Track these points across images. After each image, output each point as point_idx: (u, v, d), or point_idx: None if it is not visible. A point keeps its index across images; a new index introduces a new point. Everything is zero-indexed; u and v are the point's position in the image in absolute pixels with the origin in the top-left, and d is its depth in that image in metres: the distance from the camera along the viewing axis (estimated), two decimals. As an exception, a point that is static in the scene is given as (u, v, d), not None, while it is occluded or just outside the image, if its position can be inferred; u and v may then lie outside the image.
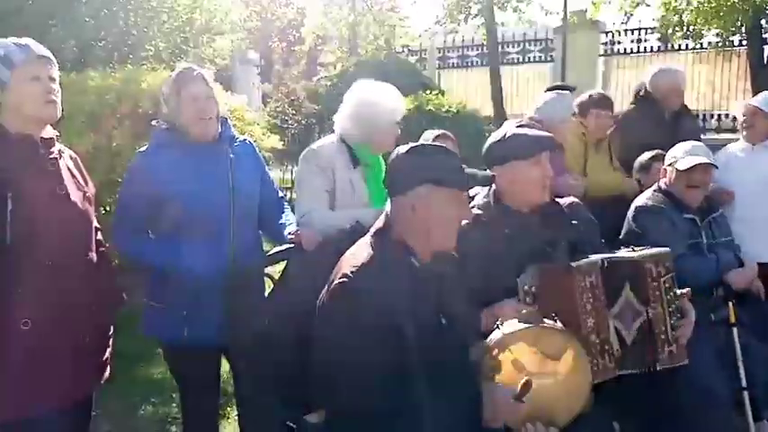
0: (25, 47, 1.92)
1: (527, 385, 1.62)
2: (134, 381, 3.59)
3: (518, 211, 2.21)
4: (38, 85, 1.91)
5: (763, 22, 8.62)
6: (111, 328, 2.22)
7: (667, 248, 2.13)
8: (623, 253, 2.12)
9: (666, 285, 2.04)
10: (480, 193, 2.35)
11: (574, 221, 2.26)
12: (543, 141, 2.22)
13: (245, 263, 2.28)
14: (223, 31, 9.57)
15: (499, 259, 2.05)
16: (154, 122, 2.35)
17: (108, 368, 2.18)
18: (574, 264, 1.99)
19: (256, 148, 2.52)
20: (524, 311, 1.78)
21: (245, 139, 2.47)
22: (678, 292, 2.07)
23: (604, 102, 3.73)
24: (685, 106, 4.00)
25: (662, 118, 3.78)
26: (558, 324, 1.76)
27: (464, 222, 2.06)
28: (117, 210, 2.34)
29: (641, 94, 3.91)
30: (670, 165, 2.94)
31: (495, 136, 2.29)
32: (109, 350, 2.19)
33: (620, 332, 2.00)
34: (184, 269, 2.17)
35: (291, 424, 1.85)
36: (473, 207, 2.26)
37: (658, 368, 2.03)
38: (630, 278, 2.03)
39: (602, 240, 2.33)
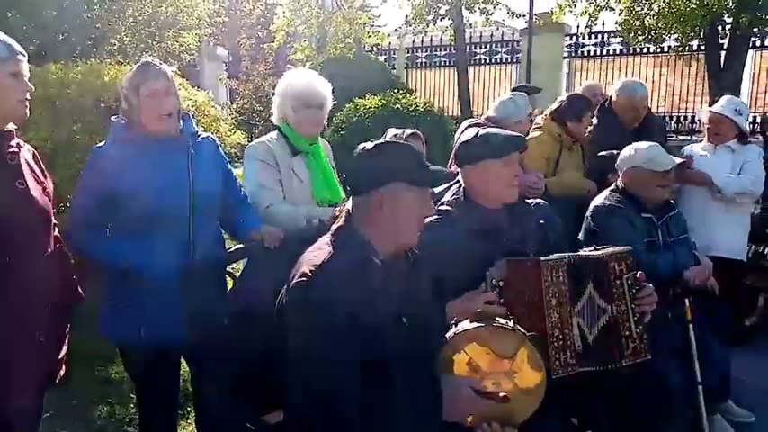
0: (8, 43, 1.88)
1: (503, 399, 1.65)
2: (91, 380, 3.51)
3: (487, 208, 2.25)
4: (16, 82, 1.87)
5: (719, 28, 8.87)
6: (68, 326, 2.17)
7: (629, 246, 2.18)
8: (587, 252, 2.18)
9: (629, 282, 2.09)
10: (450, 190, 2.38)
11: (541, 221, 2.32)
12: (514, 142, 2.28)
13: (205, 261, 2.24)
14: (190, 25, 9.42)
15: (468, 254, 2.08)
16: (113, 118, 2.29)
17: (63, 367, 2.13)
18: (543, 258, 2.04)
19: (219, 145, 2.49)
20: (478, 311, 1.80)
21: (207, 136, 2.44)
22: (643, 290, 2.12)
23: (591, 105, 3.78)
24: (648, 119, 4.03)
25: (625, 129, 3.84)
26: (511, 323, 1.78)
27: (434, 218, 2.13)
28: (72, 205, 2.28)
29: (606, 105, 3.98)
30: (635, 166, 2.96)
31: (465, 135, 2.33)
32: (65, 349, 2.14)
33: (582, 329, 2.05)
34: (142, 267, 2.12)
35: (250, 425, 1.83)
36: (442, 203, 2.31)
37: (624, 364, 2.08)
38: (594, 276, 2.08)
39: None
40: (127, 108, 2.22)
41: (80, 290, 2.22)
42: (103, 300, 2.29)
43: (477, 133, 2.29)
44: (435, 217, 2.23)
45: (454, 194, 2.33)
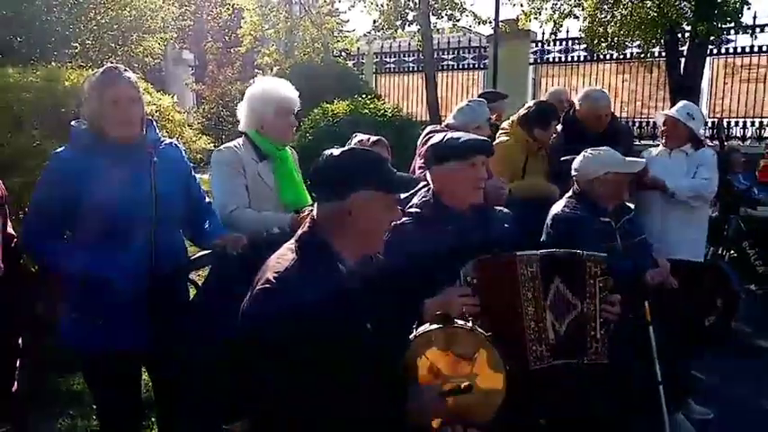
0: None
1: (464, 389, 1.65)
2: (52, 392, 3.42)
3: (455, 210, 2.31)
4: None
5: (679, 35, 9.13)
6: (21, 340, 2.10)
7: (605, 254, 2.23)
8: (561, 251, 2.21)
9: (601, 285, 2.14)
10: (419, 193, 2.42)
11: (506, 225, 2.40)
12: (480, 145, 2.35)
13: (167, 269, 2.21)
14: (154, 29, 9.30)
15: (438, 254, 2.11)
16: (73, 123, 2.24)
17: (15, 381, 2.06)
18: (518, 253, 2.10)
19: (183, 152, 2.46)
20: (438, 313, 1.81)
21: (171, 142, 2.41)
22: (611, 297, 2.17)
23: (558, 113, 3.85)
24: (613, 126, 4.11)
25: (589, 136, 3.91)
26: (469, 324, 1.79)
27: (403, 219, 2.16)
28: (29, 212, 2.22)
29: (570, 112, 4.06)
30: (606, 173, 2.98)
31: (434, 138, 2.40)
32: (18, 362, 2.07)
33: (554, 323, 2.10)
34: (102, 275, 2.07)
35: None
36: (411, 206, 2.36)
37: (584, 362, 2.12)
38: (567, 272, 2.13)
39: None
40: (88, 113, 2.17)
41: (34, 305, 2.14)
42: (63, 309, 2.23)
43: (445, 136, 2.36)
44: (405, 219, 2.27)
45: (423, 197, 2.38)
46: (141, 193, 2.17)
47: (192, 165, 2.53)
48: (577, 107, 3.96)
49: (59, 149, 2.22)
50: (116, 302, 2.10)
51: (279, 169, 2.76)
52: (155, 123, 2.35)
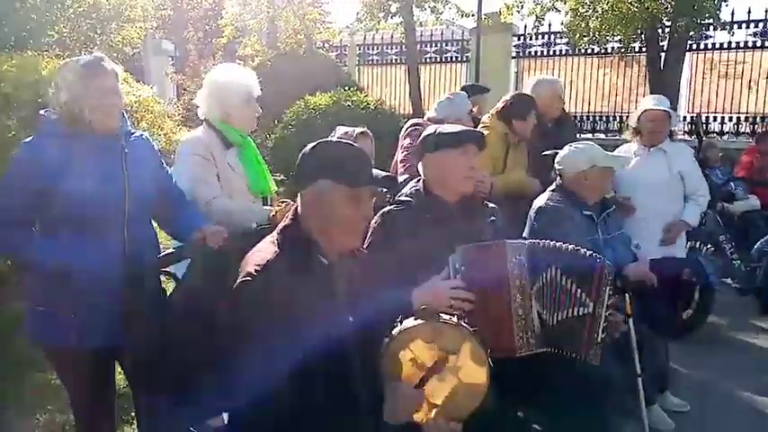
0: None
1: (440, 362, 1.65)
2: (29, 388, 3.36)
3: (445, 200, 2.34)
4: None
5: (659, 30, 9.21)
6: None
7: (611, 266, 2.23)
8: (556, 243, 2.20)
9: (610, 293, 2.14)
10: (411, 182, 2.46)
11: (493, 218, 2.42)
12: (472, 135, 2.40)
13: (139, 261, 2.18)
14: (133, 18, 9.14)
15: (427, 242, 2.14)
16: (42, 111, 2.19)
17: None
18: (508, 241, 2.11)
19: (154, 144, 2.43)
20: (422, 307, 1.81)
21: (141, 134, 2.38)
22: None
23: (535, 104, 3.86)
24: (565, 112, 4.22)
25: (545, 126, 3.96)
26: (454, 318, 1.80)
27: (393, 207, 2.22)
28: None
29: None
30: (592, 167, 2.99)
31: (428, 130, 2.45)
32: None
33: (540, 312, 2.10)
34: (73, 268, 2.04)
35: (193, 429, 1.80)
36: (402, 194, 2.39)
37: (582, 359, 2.12)
38: (581, 271, 2.11)
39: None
40: (68, 101, 2.11)
41: None
42: (31, 303, 2.19)
43: (438, 127, 2.44)
44: (395, 206, 2.33)
45: (414, 186, 2.41)
46: (114, 184, 2.15)
47: (172, 156, 2.50)
48: (536, 96, 3.96)
49: (28, 139, 2.17)
50: (87, 295, 2.07)
51: (246, 157, 2.78)
52: (126, 115, 2.32)
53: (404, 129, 3.96)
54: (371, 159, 3.19)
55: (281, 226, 1.80)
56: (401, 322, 1.81)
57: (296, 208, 1.80)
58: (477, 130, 2.62)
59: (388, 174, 1.89)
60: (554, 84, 4.18)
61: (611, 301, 2.17)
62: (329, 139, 1.88)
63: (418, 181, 2.43)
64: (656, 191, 3.55)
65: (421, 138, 2.46)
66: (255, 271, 1.63)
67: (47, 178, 2.04)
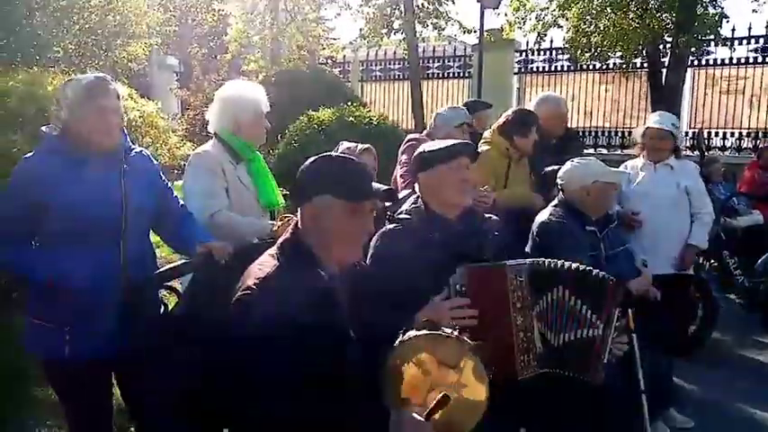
0: None
1: (443, 401, 1.62)
2: (28, 401, 3.35)
3: (445, 217, 2.31)
4: None
5: (660, 47, 9.26)
6: None
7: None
8: (559, 262, 2.18)
9: (619, 314, 2.13)
10: (410, 199, 2.44)
11: (495, 233, 2.39)
12: (460, 148, 2.37)
13: (136, 277, 2.19)
14: (138, 35, 9.24)
15: (427, 261, 2.10)
16: (44, 128, 2.23)
17: None
18: (508, 263, 2.09)
19: (152, 159, 2.45)
20: (424, 320, 1.80)
21: (140, 150, 2.41)
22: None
23: (537, 120, 3.87)
24: (570, 129, 4.23)
25: (549, 144, 3.97)
26: (455, 333, 1.78)
27: (393, 226, 2.20)
28: None
29: None
30: (594, 182, 3.00)
31: (422, 147, 2.43)
32: None
33: (543, 332, 2.08)
34: (70, 282, 2.05)
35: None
36: (401, 212, 2.36)
37: (583, 378, 2.10)
38: (594, 292, 2.10)
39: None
40: (69, 119, 2.15)
41: None
42: (28, 315, 2.20)
43: (427, 145, 2.44)
44: (394, 225, 2.31)
45: (413, 203, 2.39)
46: (111, 200, 2.17)
47: (175, 171, 2.52)
48: (540, 112, 3.98)
49: (28, 154, 2.20)
50: (83, 309, 2.08)
51: (255, 170, 2.82)
52: (126, 131, 2.35)
53: (403, 143, 4.00)
54: (374, 175, 3.22)
55: (281, 240, 1.80)
56: (402, 335, 1.80)
57: (296, 222, 1.80)
58: (464, 141, 2.62)
59: (388, 187, 1.89)
60: (558, 101, 4.20)
61: (619, 323, 2.15)
62: (328, 153, 1.88)
63: (417, 198, 2.41)
64: (664, 206, 3.54)
65: (413, 159, 2.46)
66: (255, 284, 1.62)
67: (45, 193, 2.07)
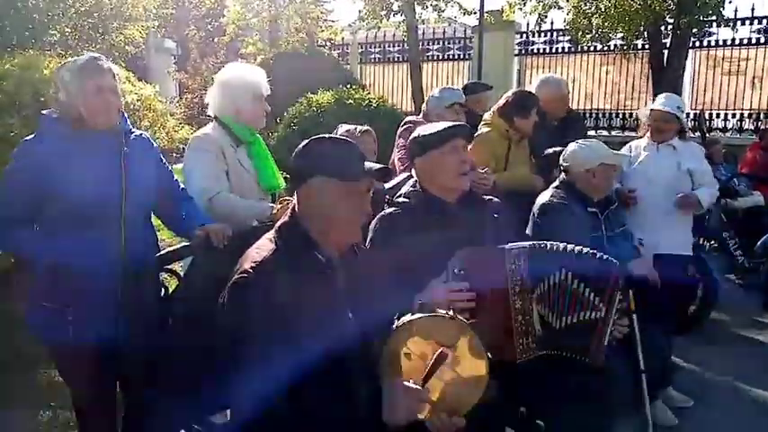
0: None
1: (441, 358, 1.63)
2: (33, 384, 3.38)
3: (443, 199, 2.30)
4: None
5: (662, 28, 9.18)
6: None
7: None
8: (560, 245, 2.17)
9: (620, 297, 2.13)
10: (409, 182, 2.43)
11: (495, 215, 2.37)
12: (454, 130, 2.33)
13: (137, 259, 2.19)
14: (135, 17, 9.15)
15: (426, 244, 2.10)
16: (44, 111, 2.23)
17: None
18: (507, 246, 2.08)
19: (152, 142, 2.44)
20: (420, 302, 1.80)
21: (140, 134, 2.40)
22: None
23: (537, 101, 3.84)
24: (572, 110, 4.21)
25: (550, 125, 3.96)
26: (450, 312, 1.78)
27: (392, 209, 2.19)
28: None
29: None
30: (599, 164, 3.01)
31: (417, 131, 2.39)
32: None
33: (543, 314, 2.08)
34: (72, 265, 2.06)
35: (197, 425, 1.80)
36: (400, 195, 2.34)
37: (586, 360, 2.10)
38: (596, 275, 2.09)
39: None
40: (66, 100, 2.15)
41: None
42: (31, 298, 2.21)
43: (421, 129, 2.40)
44: (393, 208, 2.29)
45: (412, 187, 2.37)
46: (112, 183, 2.16)
47: (173, 155, 2.51)
48: (541, 95, 3.95)
49: (28, 137, 2.20)
50: (85, 292, 2.09)
51: (256, 153, 2.81)
52: (125, 115, 2.34)
53: (400, 126, 3.98)
54: (374, 157, 3.21)
55: (278, 223, 1.79)
56: (398, 319, 1.80)
57: (294, 205, 1.80)
58: (457, 122, 2.58)
59: (381, 166, 1.87)
60: (559, 83, 4.18)
61: (620, 305, 2.15)
62: (321, 135, 1.87)
63: (416, 182, 2.39)
64: (663, 185, 3.53)
65: (407, 145, 2.44)
66: (252, 268, 1.62)
67: (45, 177, 2.06)
